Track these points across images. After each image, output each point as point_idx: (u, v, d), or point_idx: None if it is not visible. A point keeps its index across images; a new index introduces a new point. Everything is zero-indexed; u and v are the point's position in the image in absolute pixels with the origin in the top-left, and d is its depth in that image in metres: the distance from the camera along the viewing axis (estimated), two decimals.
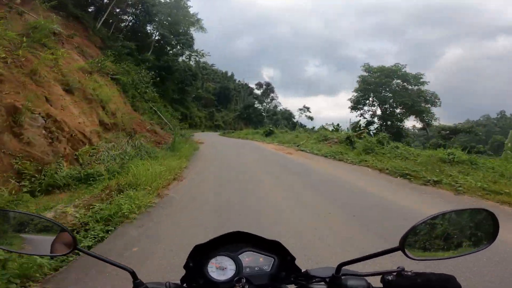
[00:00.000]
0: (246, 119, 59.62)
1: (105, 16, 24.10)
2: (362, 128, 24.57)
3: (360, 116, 24.31)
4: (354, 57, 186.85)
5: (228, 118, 57.97)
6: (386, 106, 22.44)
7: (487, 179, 5.76)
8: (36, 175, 5.38)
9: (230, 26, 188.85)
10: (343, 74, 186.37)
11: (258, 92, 71.02)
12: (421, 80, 22.73)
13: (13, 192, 4.60)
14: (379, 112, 23.77)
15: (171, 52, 39.04)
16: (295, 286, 0.77)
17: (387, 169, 7.47)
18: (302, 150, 13.17)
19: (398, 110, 22.88)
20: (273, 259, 0.79)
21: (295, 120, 67.24)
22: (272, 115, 67.04)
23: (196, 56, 42.09)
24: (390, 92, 22.48)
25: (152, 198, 4.81)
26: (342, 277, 0.70)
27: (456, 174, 6.18)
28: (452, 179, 5.89)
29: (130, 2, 29.29)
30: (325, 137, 14.99)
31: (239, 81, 73.24)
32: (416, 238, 0.68)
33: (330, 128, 26.05)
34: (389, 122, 22.13)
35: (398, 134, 21.63)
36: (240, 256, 0.77)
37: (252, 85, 73.11)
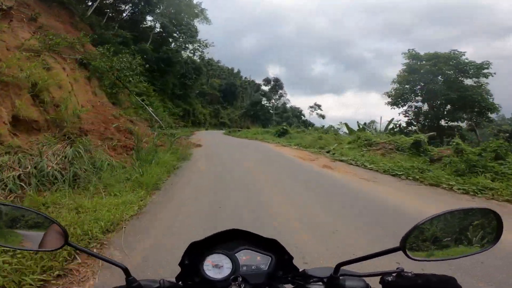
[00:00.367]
0: (253, 116, 56.02)
1: (97, 3, 21.56)
2: (396, 127, 20.10)
3: (405, 114, 19.55)
4: (361, 56, 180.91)
5: (234, 116, 54.60)
6: (437, 101, 17.48)
7: None
8: None
9: (236, 24, 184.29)
10: (350, 73, 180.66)
11: (265, 88, 66.74)
12: (485, 71, 17.58)
13: None
14: (423, 108, 18.95)
15: (174, 45, 36.12)
16: (293, 286, 0.74)
17: None
18: (341, 161, 9.10)
19: (448, 107, 18.13)
20: (270, 258, 0.77)
21: (304, 118, 63.16)
22: (282, 112, 63.00)
23: (199, 47, 38.39)
24: (443, 84, 17.53)
25: None
26: (340, 278, 0.67)
27: None
28: None
29: None
30: (367, 141, 10.83)
31: (245, 77, 69.41)
32: (417, 239, 0.63)
33: (334, 128, 21.76)
34: (440, 122, 17.37)
35: (445, 136, 17.13)
36: (237, 254, 0.75)
37: (259, 82, 69.02)
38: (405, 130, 18.29)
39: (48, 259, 2.13)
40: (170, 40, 36.49)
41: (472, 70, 17.62)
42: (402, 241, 0.61)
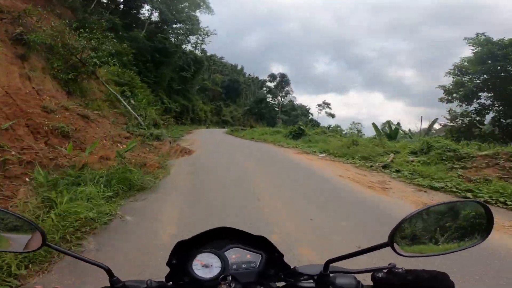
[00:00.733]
0: (257, 114, 52.05)
1: None
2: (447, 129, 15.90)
3: (475, 112, 15.21)
4: (365, 55, 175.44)
5: (237, 114, 50.75)
6: None
7: None
8: None
9: (239, 22, 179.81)
10: (353, 73, 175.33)
11: (270, 84, 62.43)
12: None
13: None
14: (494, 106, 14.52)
15: (174, 40, 32.35)
16: (284, 284, 0.73)
17: None
18: (432, 188, 5.09)
19: None
20: (260, 256, 0.75)
21: (310, 117, 58.88)
22: (290, 110, 58.82)
23: (200, 36, 34.43)
24: None
25: None
26: (331, 275, 0.66)
27: None
28: None
29: None
30: (456, 154, 6.73)
31: (249, 74, 65.42)
32: (405, 234, 0.62)
33: (344, 128, 17.60)
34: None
35: None
36: (226, 253, 0.73)
37: (264, 78, 64.80)
38: (462, 131, 14.15)
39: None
40: (170, 31, 32.81)
41: None
42: (390, 237, 0.59)
